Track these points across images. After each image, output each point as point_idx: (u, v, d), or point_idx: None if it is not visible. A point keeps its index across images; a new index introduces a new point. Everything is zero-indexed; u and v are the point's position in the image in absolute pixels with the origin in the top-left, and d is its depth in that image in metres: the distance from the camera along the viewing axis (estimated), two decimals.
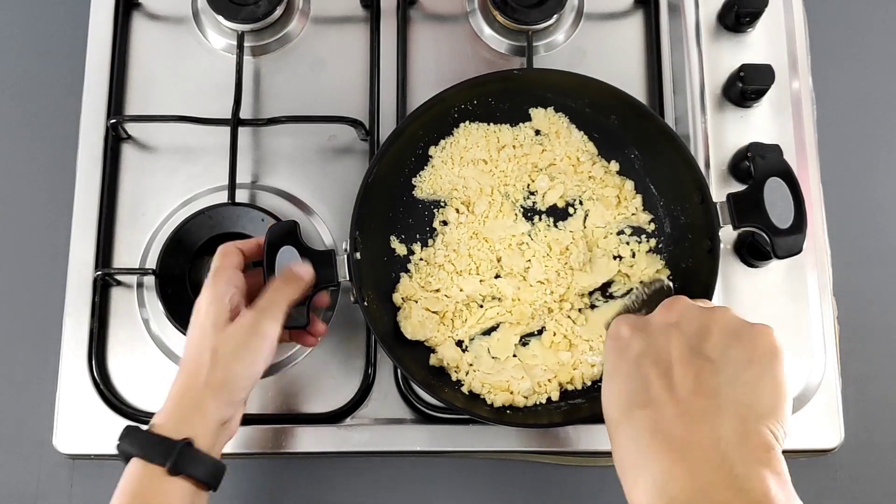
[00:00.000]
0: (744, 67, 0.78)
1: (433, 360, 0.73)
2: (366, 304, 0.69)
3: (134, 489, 0.60)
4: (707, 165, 0.80)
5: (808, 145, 0.80)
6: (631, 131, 0.76)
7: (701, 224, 0.71)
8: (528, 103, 0.78)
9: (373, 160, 0.73)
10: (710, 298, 0.68)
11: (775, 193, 0.68)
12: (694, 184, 0.71)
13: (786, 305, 0.77)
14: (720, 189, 0.79)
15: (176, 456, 0.59)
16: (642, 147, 0.76)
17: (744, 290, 0.77)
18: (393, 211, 0.77)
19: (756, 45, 0.82)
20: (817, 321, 0.77)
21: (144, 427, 0.62)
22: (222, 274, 0.66)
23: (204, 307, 0.65)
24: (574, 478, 0.76)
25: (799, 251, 0.67)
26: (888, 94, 0.88)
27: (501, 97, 0.77)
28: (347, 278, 0.69)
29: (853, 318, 0.80)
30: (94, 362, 0.77)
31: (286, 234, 0.70)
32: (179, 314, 0.76)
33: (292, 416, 0.76)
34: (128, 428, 0.62)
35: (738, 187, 0.79)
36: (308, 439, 0.75)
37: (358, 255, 0.70)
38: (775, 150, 0.77)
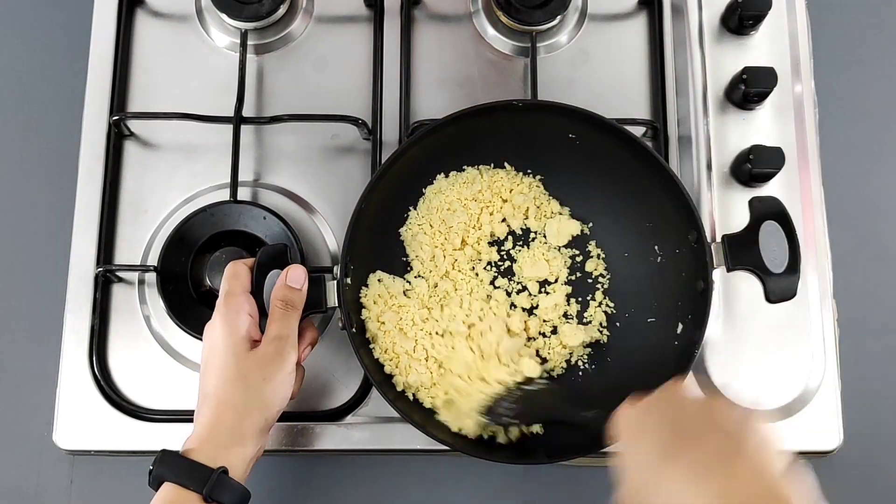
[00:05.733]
0: (746, 70, 0.79)
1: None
2: (354, 330, 0.69)
3: None
4: (709, 168, 0.80)
5: (809, 148, 0.80)
6: (625, 166, 0.73)
7: (693, 264, 0.69)
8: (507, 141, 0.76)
9: (367, 186, 0.70)
10: (700, 343, 0.67)
11: (771, 237, 0.67)
12: (690, 223, 0.69)
13: (786, 308, 0.76)
14: (722, 190, 0.79)
15: (213, 484, 0.60)
16: (635, 183, 0.73)
17: (744, 292, 0.77)
18: (384, 241, 0.75)
19: (759, 48, 0.82)
20: (817, 324, 0.77)
21: (177, 449, 0.62)
22: (233, 300, 0.67)
23: (221, 338, 0.65)
24: (574, 478, 0.76)
25: (792, 296, 0.67)
26: (890, 97, 0.88)
27: (484, 130, 0.74)
28: (336, 304, 0.68)
29: (853, 320, 0.80)
30: (94, 359, 0.76)
31: (277, 256, 0.70)
32: (181, 311, 0.76)
33: (292, 414, 0.76)
34: (164, 452, 0.62)
35: (739, 189, 0.80)
36: (308, 437, 0.75)
37: (349, 280, 0.70)
38: (774, 200, 0.72)
